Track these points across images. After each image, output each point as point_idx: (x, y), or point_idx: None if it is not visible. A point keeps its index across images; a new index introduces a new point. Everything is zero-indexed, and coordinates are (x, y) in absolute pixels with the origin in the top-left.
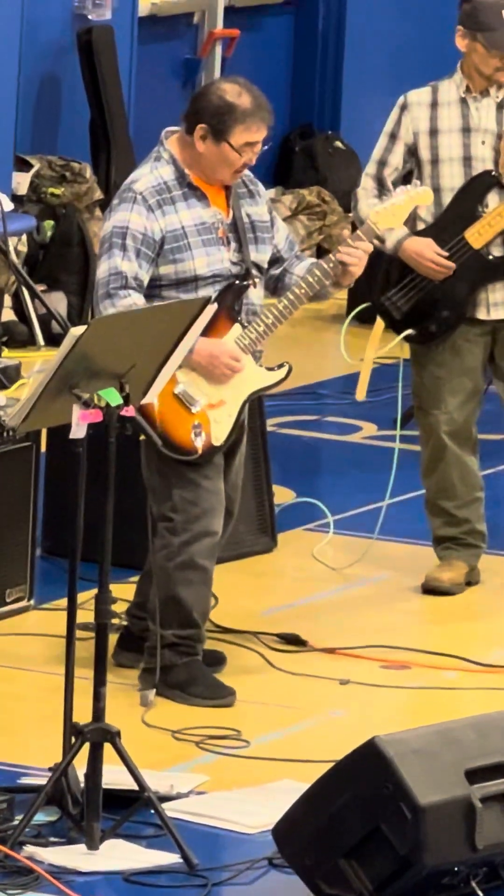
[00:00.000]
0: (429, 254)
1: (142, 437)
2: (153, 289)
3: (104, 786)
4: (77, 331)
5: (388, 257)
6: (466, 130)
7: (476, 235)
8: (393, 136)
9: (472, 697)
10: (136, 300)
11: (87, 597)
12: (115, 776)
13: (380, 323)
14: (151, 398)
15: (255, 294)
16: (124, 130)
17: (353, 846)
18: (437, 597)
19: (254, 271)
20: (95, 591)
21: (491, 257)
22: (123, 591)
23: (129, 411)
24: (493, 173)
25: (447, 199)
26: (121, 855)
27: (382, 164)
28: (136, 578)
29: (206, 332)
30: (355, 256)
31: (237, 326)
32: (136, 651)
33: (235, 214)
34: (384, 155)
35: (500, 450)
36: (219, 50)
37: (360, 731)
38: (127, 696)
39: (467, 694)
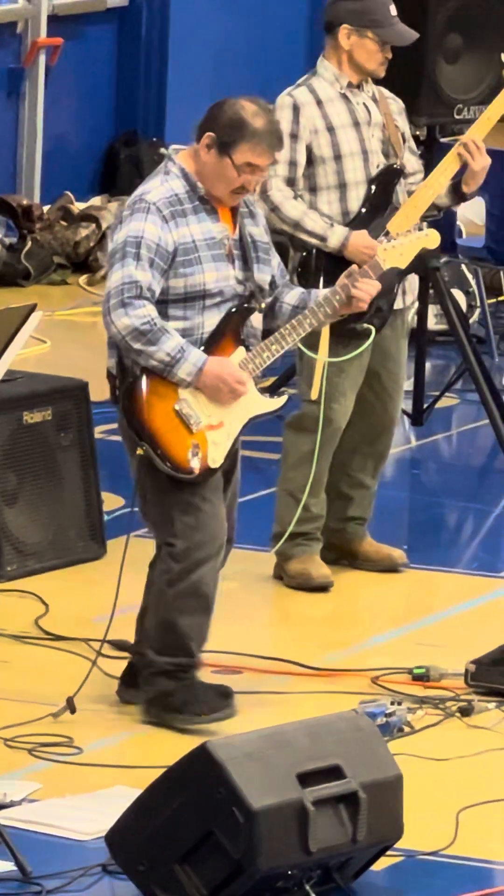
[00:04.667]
0: (375, 244)
1: (138, 452)
2: (159, 304)
3: None
4: None
5: (325, 256)
6: (356, 125)
7: (398, 227)
8: (294, 136)
9: (303, 701)
10: (150, 310)
11: None
12: None
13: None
14: None
15: (256, 318)
16: None
17: (186, 851)
18: (266, 601)
19: (257, 293)
20: None
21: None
22: None
23: None
24: (396, 165)
25: (353, 193)
26: None
27: (293, 164)
28: None
29: (211, 354)
30: (367, 293)
31: (241, 349)
32: (138, 687)
33: (241, 232)
34: (292, 156)
35: None
36: (42, 58)
37: (193, 736)
38: None
39: (299, 698)
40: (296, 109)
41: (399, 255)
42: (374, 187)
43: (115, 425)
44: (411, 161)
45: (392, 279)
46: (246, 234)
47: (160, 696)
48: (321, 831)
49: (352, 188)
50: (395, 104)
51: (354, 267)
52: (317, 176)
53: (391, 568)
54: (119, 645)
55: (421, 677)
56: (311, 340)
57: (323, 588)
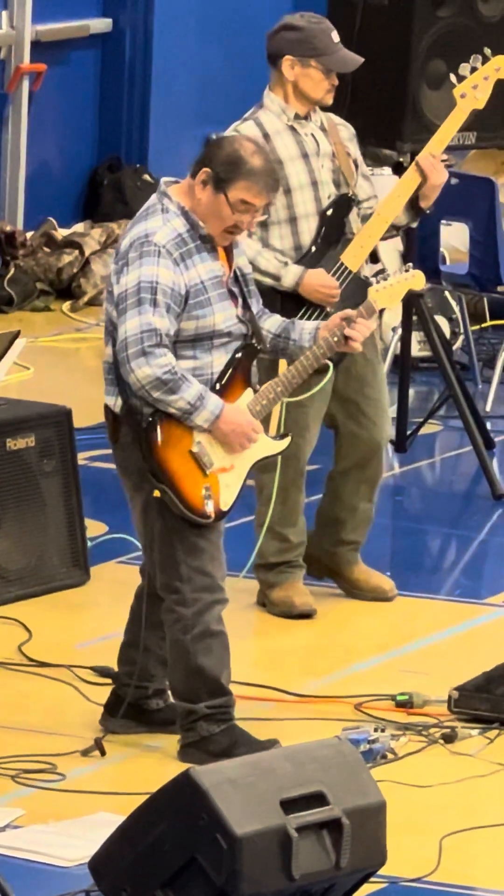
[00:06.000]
0: (330, 282)
1: (156, 493)
2: None
3: None
4: None
5: (281, 293)
6: (305, 156)
7: (352, 258)
8: None
9: (286, 728)
10: (170, 359)
11: None
12: None
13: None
14: None
15: None
16: None
17: (169, 877)
18: (249, 627)
19: (258, 330)
20: None
21: (364, 277)
22: None
23: None
24: (348, 195)
25: (304, 226)
26: None
27: None
28: None
29: (222, 395)
30: (362, 334)
31: (249, 391)
32: (128, 717)
33: (236, 269)
34: None
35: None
36: (26, 84)
37: (176, 762)
38: None
39: (282, 725)
40: None
41: (389, 297)
42: (325, 219)
43: (98, 451)
44: (364, 187)
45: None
46: (238, 270)
47: (201, 741)
48: (304, 858)
49: (303, 221)
50: (346, 130)
51: (350, 311)
52: (275, 209)
53: (380, 598)
54: (103, 672)
55: (404, 704)
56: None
57: (306, 615)
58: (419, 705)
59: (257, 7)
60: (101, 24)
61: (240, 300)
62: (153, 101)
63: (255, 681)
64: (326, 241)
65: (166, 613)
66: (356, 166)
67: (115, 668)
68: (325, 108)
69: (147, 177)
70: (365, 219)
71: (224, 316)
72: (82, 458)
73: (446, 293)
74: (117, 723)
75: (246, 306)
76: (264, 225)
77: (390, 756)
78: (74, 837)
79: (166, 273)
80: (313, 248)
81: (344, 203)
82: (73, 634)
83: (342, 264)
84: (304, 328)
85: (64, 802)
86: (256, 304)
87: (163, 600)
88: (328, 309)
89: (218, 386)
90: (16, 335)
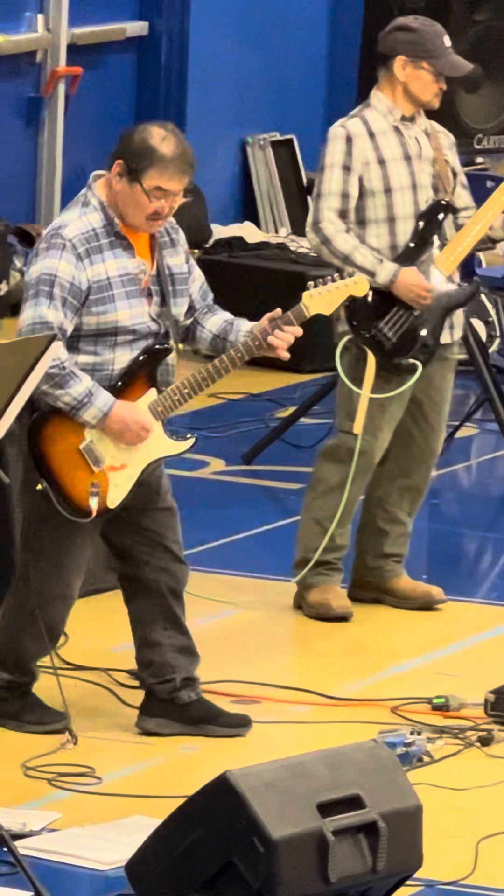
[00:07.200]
0: (424, 283)
1: (39, 487)
2: (71, 339)
3: None
4: None
5: (371, 291)
6: (408, 158)
7: (444, 264)
8: (346, 168)
9: (323, 731)
10: (60, 354)
11: None
12: None
13: (372, 358)
14: None
15: (171, 355)
16: None
17: (206, 881)
18: (286, 631)
19: (172, 330)
20: None
21: (457, 284)
22: None
23: None
24: (444, 201)
25: (401, 227)
26: None
27: (346, 196)
28: None
29: (122, 393)
30: (285, 341)
31: (153, 391)
32: (162, 716)
33: (159, 266)
34: (344, 187)
35: None
36: (62, 88)
37: (212, 766)
38: None
39: (319, 728)
40: (349, 141)
41: (325, 303)
42: (422, 222)
43: None
44: (462, 196)
45: (439, 314)
46: (164, 268)
47: None
48: (341, 861)
49: (400, 222)
50: (447, 139)
51: (278, 311)
52: (366, 209)
53: (429, 605)
54: (139, 675)
55: (440, 707)
56: (355, 374)
57: (343, 618)
58: (455, 708)
59: (294, 10)
60: (137, 28)
61: (156, 299)
62: (189, 105)
63: (292, 684)
64: (421, 245)
65: (19, 582)
66: (454, 175)
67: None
68: (428, 115)
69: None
70: (459, 228)
71: (130, 313)
72: None
73: (483, 296)
74: (152, 722)
75: (164, 305)
76: (362, 222)
77: (426, 759)
78: (110, 841)
79: (66, 267)
80: (410, 246)
81: (441, 209)
82: (110, 638)
83: (435, 269)
84: (241, 330)
85: (100, 806)
86: (202, 298)
87: (157, 596)
88: (416, 312)
89: (119, 384)
90: (52, 339)
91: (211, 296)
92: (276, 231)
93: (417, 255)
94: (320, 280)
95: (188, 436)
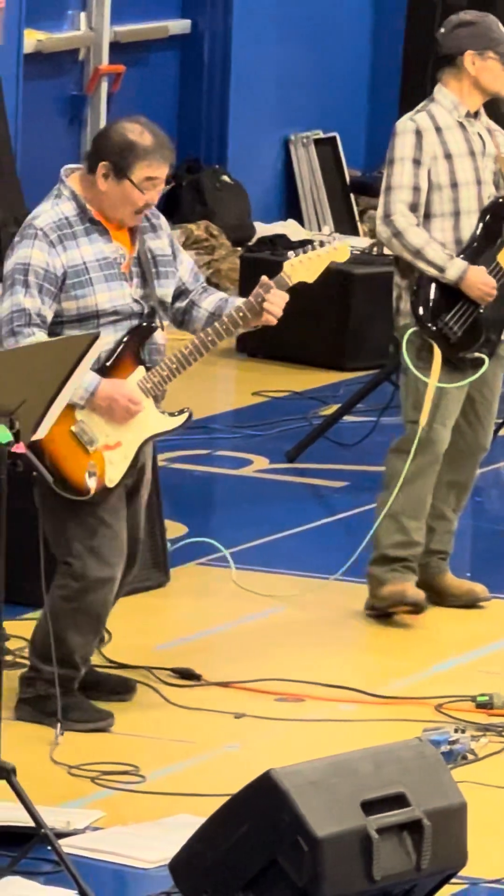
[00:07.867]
0: (491, 281)
1: (34, 474)
2: (55, 325)
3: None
4: None
5: (437, 285)
6: (472, 154)
7: None
8: (417, 162)
9: (367, 729)
10: (40, 338)
11: None
12: (10, 813)
13: (438, 350)
14: (42, 434)
15: (159, 334)
16: (11, 168)
17: (250, 879)
18: (330, 629)
19: (158, 310)
20: None
21: None
22: (16, 628)
23: (20, 448)
24: None
25: (465, 221)
26: (18, 892)
27: (417, 189)
28: (30, 615)
29: (110, 373)
30: (278, 304)
31: (141, 368)
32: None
33: (139, 250)
34: (416, 181)
35: None
36: (105, 86)
37: (256, 764)
38: (23, 731)
39: (363, 726)
40: (418, 135)
41: (307, 271)
42: (486, 218)
43: (178, 453)
44: None
45: (501, 311)
46: (145, 251)
47: (37, 699)
48: (385, 859)
49: (465, 217)
50: (503, 136)
51: (265, 278)
52: (432, 203)
53: (473, 603)
54: (183, 673)
55: (485, 705)
56: (419, 366)
57: (416, 605)
58: (500, 706)
59: (337, 8)
60: (179, 26)
61: (137, 280)
62: (232, 102)
63: (336, 682)
64: (485, 240)
65: (57, 576)
66: None
67: (195, 670)
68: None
69: (226, 178)
70: None
71: (109, 296)
72: (162, 459)
73: None
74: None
75: (147, 286)
76: (427, 216)
77: (471, 757)
78: (154, 839)
79: (39, 255)
80: (474, 245)
81: (502, 205)
82: (153, 636)
83: (497, 264)
84: (232, 307)
85: (144, 804)
86: (194, 281)
87: None
88: (481, 308)
89: (107, 364)
90: (95, 337)
91: (203, 278)
92: (320, 229)
93: (481, 251)
94: (300, 249)
95: (182, 410)
